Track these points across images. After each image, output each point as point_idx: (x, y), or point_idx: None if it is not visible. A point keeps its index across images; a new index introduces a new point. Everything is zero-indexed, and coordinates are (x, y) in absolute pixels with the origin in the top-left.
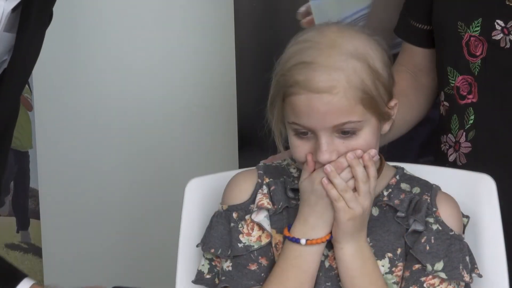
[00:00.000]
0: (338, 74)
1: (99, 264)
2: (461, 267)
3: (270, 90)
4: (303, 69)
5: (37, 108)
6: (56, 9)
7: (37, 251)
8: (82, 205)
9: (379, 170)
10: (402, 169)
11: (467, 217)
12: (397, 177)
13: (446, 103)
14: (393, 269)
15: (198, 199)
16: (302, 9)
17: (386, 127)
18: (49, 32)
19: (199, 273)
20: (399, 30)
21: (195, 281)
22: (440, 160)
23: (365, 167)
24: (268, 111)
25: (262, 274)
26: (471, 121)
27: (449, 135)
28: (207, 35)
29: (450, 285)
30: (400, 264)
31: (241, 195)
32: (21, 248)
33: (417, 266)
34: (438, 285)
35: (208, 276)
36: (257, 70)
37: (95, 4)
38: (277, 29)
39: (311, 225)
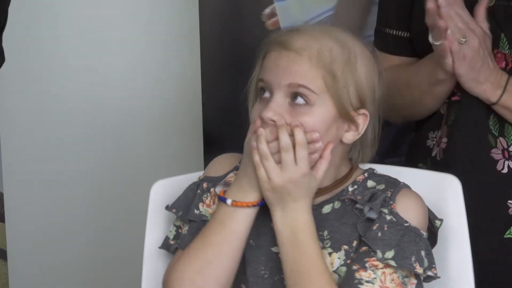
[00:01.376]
0: (314, 42)
1: (65, 267)
2: (413, 258)
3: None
4: (287, 32)
5: (1, 113)
6: (13, 15)
7: (2, 254)
8: (47, 208)
9: (349, 172)
10: (372, 169)
11: (441, 220)
12: (365, 174)
13: (446, 100)
14: (348, 261)
15: (163, 201)
16: (267, 10)
17: (349, 136)
18: (10, 35)
19: (166, 239)
20: (378, 43)
21: (161, 246)
22: (423, 155)
23: (292, 135)
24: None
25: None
26: (453, 118)
27: (442, 131)
28: (171, 36)
29: (396, 273)
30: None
31: (218, 171)
32: None
33: (364, 248)
34: (381, 268)
35: (172, 242)
36: (222, 71)
37: (53, 7)
38: (242, 30)
39: (242, 188)
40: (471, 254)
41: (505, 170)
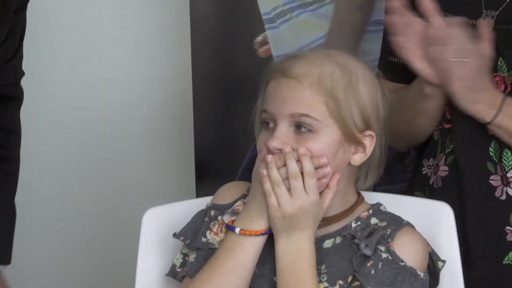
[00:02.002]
0: (314, 68)
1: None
2: None
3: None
4: (287, 60)
5: None
6: None
7: None
8: (35, 232)
9: (354, 205)
10: (379, 205)
11: (443, 261)
12: (370, 211)
13: (440, 127)
14: None
15: (155, 228)
16: (259, 38)
17: (357, 158)
18: None
19: (173, 266)
20: (383, 68)
21: (167, 274)
22: (419, 183)
23: (299, 161)
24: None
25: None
26: (452, 146)
27: (438, 159)
28: (165, 66)
29: None
30: None
31: (226, 198)
32: None
33: (356, 283)
34: None
35: (179, 270)
36: (214, 99)
37: (45, 10)
38: (234, 59)
39: (251, 216)
40: (463, 283)
41: (504, 197)
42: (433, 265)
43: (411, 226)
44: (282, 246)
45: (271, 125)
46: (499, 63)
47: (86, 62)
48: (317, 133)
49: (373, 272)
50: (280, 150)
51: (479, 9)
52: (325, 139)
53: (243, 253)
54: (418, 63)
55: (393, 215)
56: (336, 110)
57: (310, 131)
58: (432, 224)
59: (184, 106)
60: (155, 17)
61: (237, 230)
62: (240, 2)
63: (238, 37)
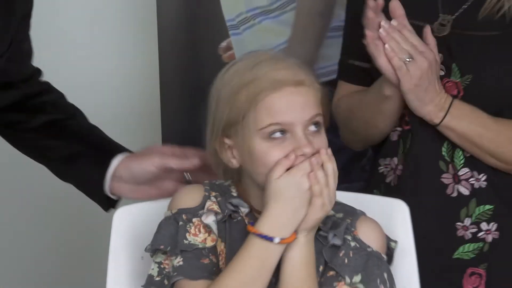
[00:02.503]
0: (300, 70)
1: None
2: (378, 281)
3: (210, 124)
4: (268, 72)
5: None
6: None
7: None
8: (14, 230)
9: None
10: None
11: (395, 241)
12: None
13: (398, 129)
14: None
15: (126, 227)
16: (223, 44)
17: None
18: None
19: (149, 277)
20: (342, 73)
21: (145, 285)
22: (375, 181)
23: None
24: (211, 144)
25: (214, 269)
26: (407, 146)
27: (394, 158)
28: (131, 74)
29: None
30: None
31: (190, 202)
32: None
33: (331, 272)
34: None
35: (157, 279)
36: (180, 102)
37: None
38: (200, 65)
39: (283, 224)
40: (418, 276)
41: (455, 194)
42: (387, 246)
43: (364, 214)
44: (303, 240)
45: (278, 135)
46: (454, 68)
47: (57, 65)
48: (321, 128)
49: (346, 261)
50: (303, 155)
51: (435, 14)
52: (324, 132)
53: (273, 260)
54: (382, 59)
55: (345, 205)
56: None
57: (317, 128)
58: (389, 220)
59: (152, 107)
60: (124, 24)
61: (277, 239)
62: (205, 8)
63: (203, 42)
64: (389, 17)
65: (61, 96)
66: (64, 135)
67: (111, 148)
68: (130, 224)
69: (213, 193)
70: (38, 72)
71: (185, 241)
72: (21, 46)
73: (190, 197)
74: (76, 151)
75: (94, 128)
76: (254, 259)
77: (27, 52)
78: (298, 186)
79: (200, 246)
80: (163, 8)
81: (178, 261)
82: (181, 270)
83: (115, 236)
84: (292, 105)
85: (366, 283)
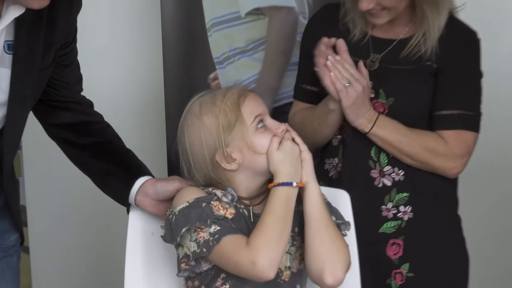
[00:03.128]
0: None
1: (69, 260)
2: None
3: (203, 146)
4: (235, 88)
5: (24, 146)
6: None
7: (25, 249)
8: (57, 217)
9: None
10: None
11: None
12: None
13: (338, 136)
14: (294, 242)
15: (141, 221)
16: (211, 75)
17: None
18: None
19: (181, 259)
20: (296, 95)
21: (192, 256)
22: (321, 176)
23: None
24: (209, 161)
25: (245, 231)
26: (346, 151)
27: (335, 158)
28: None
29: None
30: (298, 238)
31: (197, 195)
32: None
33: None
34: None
35: (198, 250)
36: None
37: None
38: (194, 89)
39: (293, 173)
40: (356, 246)
41: (380, 185)
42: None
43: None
44: (316, 188)
45: (261, 124)
46: (381, 92)
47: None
48: None
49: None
50: (282, 131)
51: (368, 53)
52: None
53: (294, 201)
54: (327, 81)
55: None
56: None
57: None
58: (334, 204)
59: (157, 113)
60: (133, 40)
61: (294, 184)
62: (199, 50)
63: (197, 75)
64: (336, 52)
65: (106, 125)
66: (103, 156)
67: (138, 171)
68: (143, 218)
69: (210, 189)
70: (90, 104)
71: (215, 214)
72: (68, 70)
73: (195, 193)
74: (111, 170)
75: (128, 151)
76: (282, 204)
77: (76, 76)
78: (291, 148)
79: (225, 216)
80: (167, 53)
81: (214, 228)
82: (222, 232)
83: (131, 229)
84: (259, 102)
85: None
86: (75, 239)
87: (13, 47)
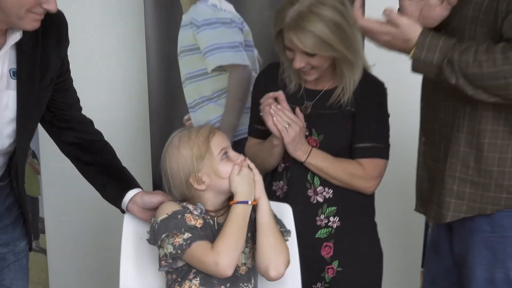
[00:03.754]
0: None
1: (79, 259)
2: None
3: (179, 172)
4: (206, 127)
5: (43, 172)
6: None
7: (43, 251)
8: (69, 226)
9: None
10: None
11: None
12: None
13: (282, 165)
14: (248, 244)
15: (133, 225)
16: (185, 117)
17: None
18: None
19: (162, 257)
20: (250, 132)
21: (162, 264)
22: (271, 194)
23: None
24: (185, 183)
25: (211, 237)
26: (289, 175)
27: (281, 181)
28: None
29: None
30: (251, 241)
31: (174, 208)
32: (35, 250)
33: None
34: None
35: (173, 252)
36: (167, 124)
37: None
38: (173, 127)
39: (248, 193)
40: (297, 248)
41: (315, 201)
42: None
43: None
44: (266, 202)
45: (225, 156)
46: (313, 131)
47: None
48: None
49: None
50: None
51: (302, 101)
52: None
53: (248, 216)
54: (271, 123)
55: None
56: None
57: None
58: (281, 216)
59: (144, 143)
60: (119, 56)
61: (249, 202)
62: (177, 97)
63: (176, 115)
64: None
65: (105, 143)
66: (103, 171)
67: (130, 184)
68: (137, 225)
69: (185, 203)
70: (91, 122)
71: (188, 224)
72: (68, 93)
73: (173, 207)
74: (109, 182)
75: (123, 168)
76: (240, 217)
77: (75, 98)
78: (247, 174)
79: (195, 226)
80: (152, 94)
81: (187, 235)
82: (192, 238)
83: (126, 234)
84: (224, 138)
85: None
86: (85, 243)
87: (16, 73)
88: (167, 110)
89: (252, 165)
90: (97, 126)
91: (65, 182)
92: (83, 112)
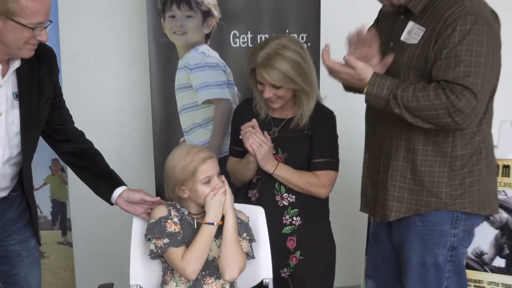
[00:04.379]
0: (209, 151)
1: (98, 251)
2: (245, 233)
3: (171, 182)
4: (198, 153)
5: (69, 182)
6: None
7: (70, 245)
8: (90, 225)
9: None
10: None
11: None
12: None
13: (256, 177)
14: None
15: (141, 225)
16: (181, 139)
17: None
18: None
19: (151, 251)
20: (230, 153)
21: (150, 255)
22: (246, 201)
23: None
24: (173, 189)
25: (183, 241)
26: (260, 185)
27: (255, 189)
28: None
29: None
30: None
31: (163, 212)
32: (63, 243)
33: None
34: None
35: (155, 250)
36: (169, 141)
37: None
38: (172, 145)
39: (216, 216)
40: (268, 242)
41: (281, 205)
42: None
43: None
44: (232, 219)
45: (208, 181)
46: (279, 150)
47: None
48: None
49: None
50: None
51: (270, 127)
52: None
53: (213, 235)
54: (248, 145)
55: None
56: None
57: (218, 173)
58: (255, 217)
59: (148, 157)
60: (128, 83)
61: (215, 223)
62: (173, 124)
63: (174, 137)
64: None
65: (95, 150)
66: (95, 174)
67: (116, 183)
68: (144, 226)
69: (171, 208)
70: (82, 133)
71: (167, 230)
72: (62, 111)
73: (162, 211)
74: (100, 183)
75: (110, 170)
76: (207, 236)
77: (68, 114)
78: (219, 199)
79: (174, 232)
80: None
81: (165, 241)
82: (169, 244)
83: (135, 233)
84: (211, 167)
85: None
86: (102, 238)
87: (18, 95)
88: (167, 134)
89: (228, 191)
90: (111, 147)
91: (86, 190)
92: (105, 138)
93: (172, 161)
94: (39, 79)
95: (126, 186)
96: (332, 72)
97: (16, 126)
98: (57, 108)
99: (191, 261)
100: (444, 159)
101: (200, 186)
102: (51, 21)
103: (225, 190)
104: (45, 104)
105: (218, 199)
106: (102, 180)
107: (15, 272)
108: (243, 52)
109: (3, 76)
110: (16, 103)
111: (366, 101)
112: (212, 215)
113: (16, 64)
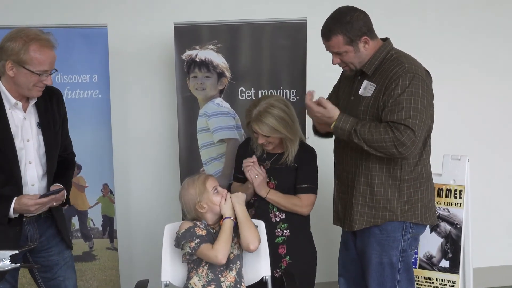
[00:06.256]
0: (213, 177)
1: (138, 255)
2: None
3: (190, 203)
4: (205, 177)
5: (116, 202)
6: None
7: (116, 250)
8: (131, 235)
9: None
10: None
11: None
12: None
13: (253, 198)
14: (234, 240)
15: (170, 233)
16: (201, 169)
17: None
18: None
19: (184, 255)
20: (234, 179)
21: (184, 260)
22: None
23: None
24: (194, 208)
25: (211, 240)
26: (256, 205)
27: (252, 208)
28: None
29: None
30: (235, 239)
31: (188, 225)
32: (111, 249)
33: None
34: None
35: (188, 251)
36: (193, 157)
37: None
38: (192, 172)
39: (230, 214)
40: (267, 246)
41: (274, 221)
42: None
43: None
44: (243, 209)
45: (216, 191)
46: (271, 178)
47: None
48: None
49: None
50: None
51: (264, 160)
52: None
53: (232, 227)
54: (248, 175)
55: None
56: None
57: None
58: (257, 228)
59: (173, 158)
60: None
61: (232, 217)
62: (196, 157)
63: (195, 168)
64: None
65: (72, 160)
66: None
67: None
68: (171, 232)
69: (194, 221)
70: (74, 153)
71: (197, 234)
72: (65, 136)
73: (188, 224)
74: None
75: (61, 173)
76: (227, 228)
77: (69, 140)
78: (228, 201)
79: (202, 234)
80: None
81: (196, 241)
82: (200, 242)
83: (166, 241)
84: (214, 180)
85: None
86: (141, 244)
87: (40, 124)
88: (190, 165)
89: (229, 195)
90: (148, 177)
91: (129, 208)
92: (144, 169)
93: (187, 190)
94: (52, 111)
95: (62, 186)
96: (309, 111)
97: (42, 149)
98: (63, 131)
99: (220, 248)
100: (394, 182)
101: (212, 196)
102: (56, 69)
103: (231, 196)
104: (58, 130)
105: (229, 202)
106: (55, 178)
107: (55, 277)
108: (248, 103)
109: (25, 111)
110: (39, 130)
111: (334, 133)
112: (228, 212)
113: (34, 100)
